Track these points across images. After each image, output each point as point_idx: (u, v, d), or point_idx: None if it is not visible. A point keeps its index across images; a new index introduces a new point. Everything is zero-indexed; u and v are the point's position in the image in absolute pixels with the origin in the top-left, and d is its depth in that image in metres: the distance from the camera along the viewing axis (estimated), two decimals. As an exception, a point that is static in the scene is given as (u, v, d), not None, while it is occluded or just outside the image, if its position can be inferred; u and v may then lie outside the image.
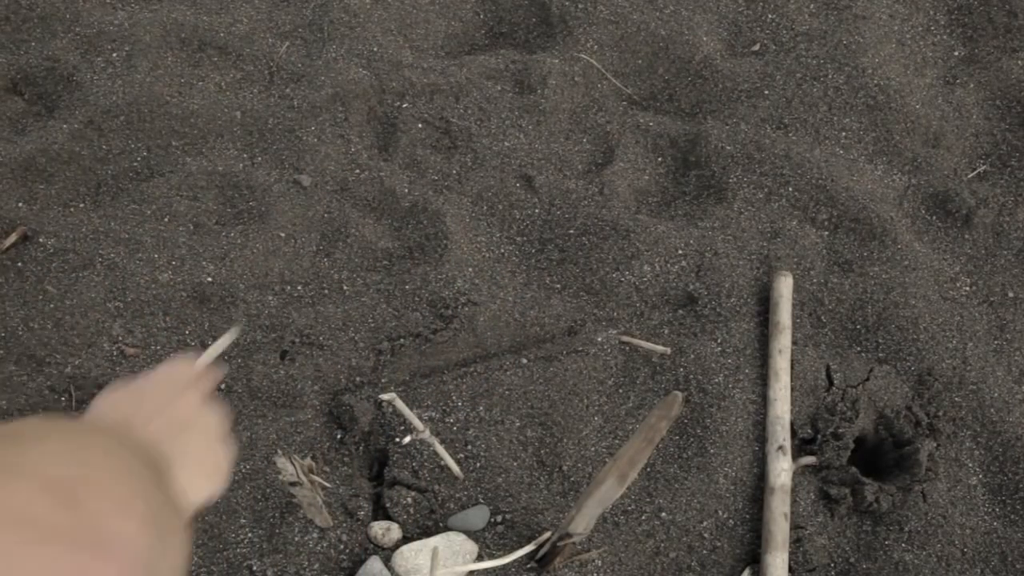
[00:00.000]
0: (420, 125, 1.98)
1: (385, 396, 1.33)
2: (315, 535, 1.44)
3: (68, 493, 0.37)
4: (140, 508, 0.41)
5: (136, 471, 0.44)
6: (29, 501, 0.35)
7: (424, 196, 1.86)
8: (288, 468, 1.24)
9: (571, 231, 1.83)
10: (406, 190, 1.87)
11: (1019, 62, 2.14)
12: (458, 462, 1.51)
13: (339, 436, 1.56)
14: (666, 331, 1.72)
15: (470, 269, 1.75)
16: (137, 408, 0.62)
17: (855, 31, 2.15)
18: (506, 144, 1.96)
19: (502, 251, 1.82)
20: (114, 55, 2.03)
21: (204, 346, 1.63)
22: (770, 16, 2.22)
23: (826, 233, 1.88)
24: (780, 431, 1.57)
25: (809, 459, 1.56)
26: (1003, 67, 2.14)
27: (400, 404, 1.35)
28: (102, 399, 0.62)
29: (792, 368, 1.66)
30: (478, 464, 1.53)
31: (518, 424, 1.58)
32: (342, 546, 1.44)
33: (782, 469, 1.53)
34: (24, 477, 0.36)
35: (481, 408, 1.58)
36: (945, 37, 2.23)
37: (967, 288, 1.83)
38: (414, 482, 1.50)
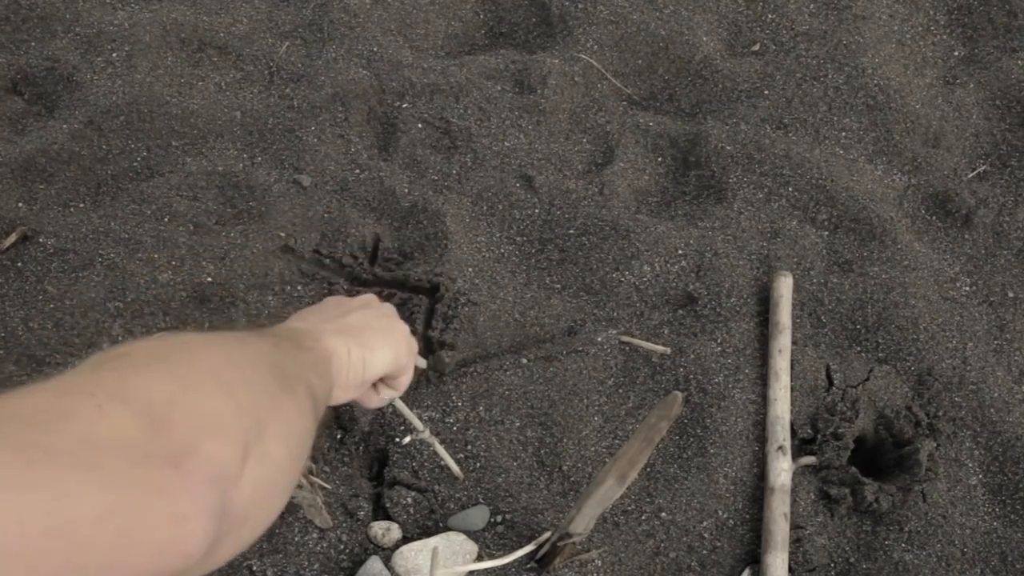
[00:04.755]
0: (420, 125, 1.98)
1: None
2: (315, 535, 1.44)
3: (159, 414, 0.40)
4: (231, 423, 0.44)
5: (255, 381, 0.48)
6: (123, 426, 0.39)
7: (424, 196, 1.86)
8: (288, 468, 1.24)
9: (571, 231, 1.83)
10: (406, 190, 1.87)
11: (1019, 62, 2.14)
12: (458, 462, 1.51)
13: (339, 436, 1.56)
14: (666, 331, 1.72)
15: (470, 269, 1.75)
16: (316, 311, 0.71)
17: (855, 31, 2.15)
18: (506, 144, 1.96)
19: (502, 251, 1.82)
20: (114, 55, 2.03)
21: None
22: (770, 16, 2.22)
23: (826, 233, 1.88)
24: (780, 431, 1.57)
25: (809, 459, 1.56)
26: (1003, 67, 2.14)
27: (400, 404, 1.35)
28: (296, 315, 0.72)
29: (792, 368, 1.66)
30: (478, 464, 1.53)
31: (518, 424, 1.58)
32: (342, 546, 1.44)
33: (782, 469, 1.53)
34: (123, 402, 0.40)
35: (481, 408, 1.58)
36: (945, 37, 2.23)
37: (967, 288, 1.83)
38: (414, 482, 1.50)
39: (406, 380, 0.80)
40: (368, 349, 0.69)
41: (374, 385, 0.78)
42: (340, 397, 0.68)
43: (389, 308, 0.78)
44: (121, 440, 0.38)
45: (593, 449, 1.56)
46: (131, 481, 0.37)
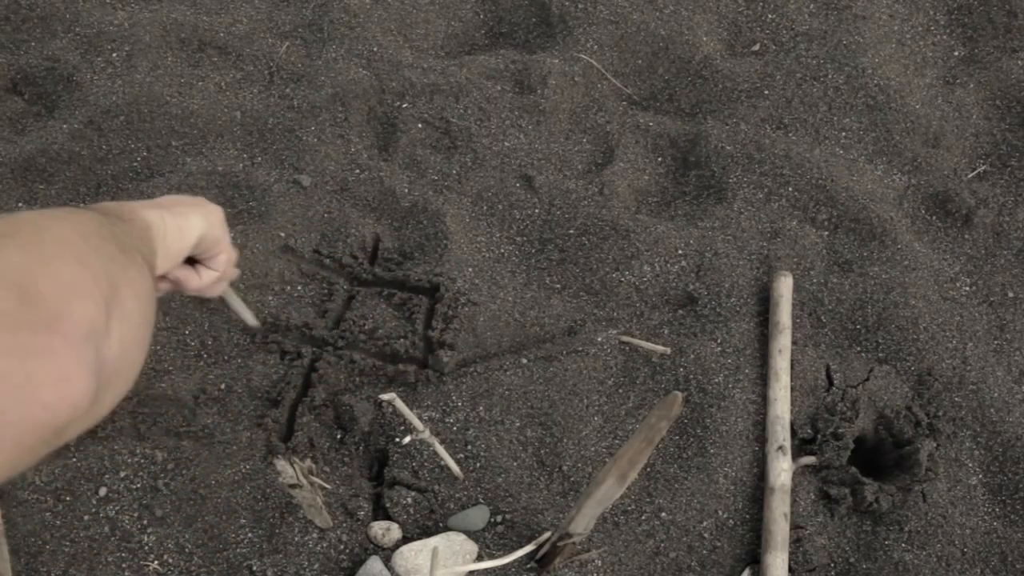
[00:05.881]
0: (420, 125, 1.98)
1: (385, 396, 1.33)
2: (315, 535, 1.44)
3: (25, 285, 0.43)
4: (91, 287, 0.47)
5: (100, 248, 0.52)
6: None
7: (424, 196, 1.86)
8: (288, 471, 1.24)
9: (571, 231, 1.83)
10: (406, 190, 1.87)
11: (1019, 62, 2.14)
12: (458, 462, 1.51)
13: (339, 436, 1.56)
14: (666, 331, 1.72)
15: (470, 269, 1.75)
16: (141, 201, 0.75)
17: (855, 31, 2.15)
18: (506, 144, 1.96)
19: (502, 251, 1.82)
20: (114, 55, 2.03)
21: (204, 346, 1.63)
22: (770, 16, 2.22)
23: (826, 233, 1.88)
24: (780, 431, 1.57)
25: (809, 459, 1.56)
26: (1003, 67, 2.14)
27: (400, 404, 1.35)
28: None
29: (792, 368, 1.66)
30: (478, 464, 1.53)
31: (518, 424, 1.58)
32: (342, 546, 1.44)
33: (782, 469, 1.53)
34: None
35: (481, 408, 1.58)
36: (945, 37, 2.23)
37: (967, 288, 1.83)
38: (414, 482, 1.50)
39: (225, 260, 0.85)
40: (181, 217, 0.75)
41: (194, 267, 0.83)
42: (162, 267, 0.73)
43: (200, 197, 0.84)
44: None
45: (593, 449, 1.56)
46: (13, 347, 0.41)
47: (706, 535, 1.50)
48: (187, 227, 0.75)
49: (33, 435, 0.42)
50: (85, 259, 0.49)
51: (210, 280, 0.85)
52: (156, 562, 1.41)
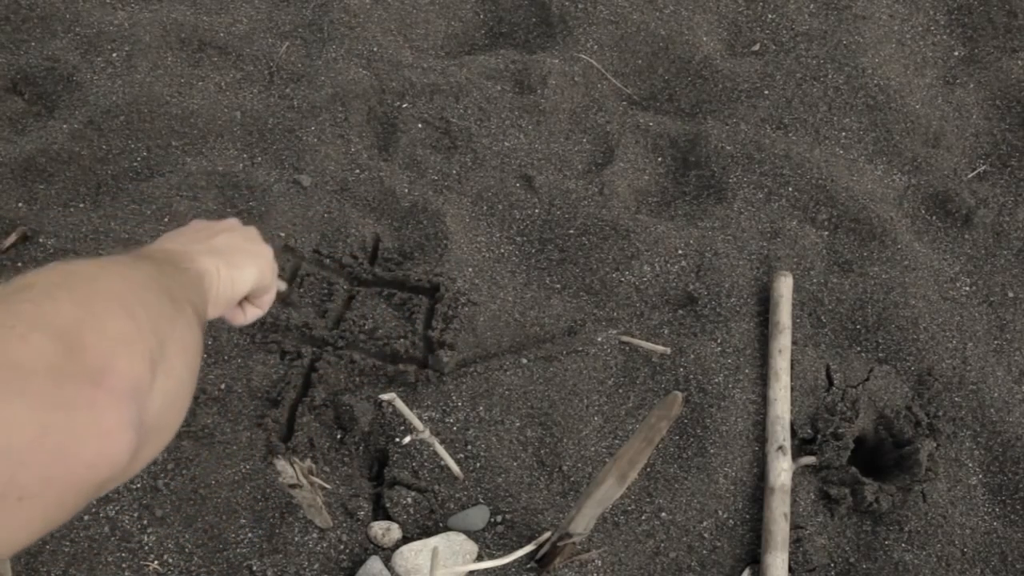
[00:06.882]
0: (420, 125, 1.98)
1: (385, 396, 1.33)
2: (315, 535, 1.44)
3: (73, 337, 0.44)
4: (138, 342, 0.48)
5: (151, 302, 0.52)
6: (43, 351, 0.42)
7: (424, 196, 1.86)
8: (288, 471, 1.24)
9: (571, 231, 1.83)
10: (406, 190, 1.87)
11: (1019, 62, 2.14)
12: (458, 462, 1.51)
13: (339, 436, 1.56)
14: (666, 331, 1.72)
15: (470, 269, 1.75)
16: (183, 233, 0.78)
17: (855, 31, 2.15)
18: (506, 144, 1.96)
19: (502, 251, 1.82)
20: (114, 55, 2.03)
21: (204, 346, 1.63)
22: (770, 16, 2.22)
23: (826, 233, 1.88)
24: (780, 431, 1.57)
25: (809, 459, 1.56)
26: (1003, 67, 2.14)
27: (400, 404, 1.35)
28: (164, 236, 0.77)
29: (792, 368, 1.66)
30: (478, 464, 1.53)
31: (518, 424, 1.58)
32: (342, 546, 1.44)
33: (782, 469, 1.53)
34: (39, 329, 0.43)
35: (481, 408, 1.58)
36: (945, 37, 2.23)
37: (967, 288, 1.83)
38: (414, 482, 1.50)
39: (269, 299, 0.88)
40: (236, 268, 0.76)
41: (240, 303, 0.86)
42: (211, 313, 0.73)
43: (253, 231, 0.85)
44: (42, 364, 0.41)
45: (593, 449, 1.56)
46: (58, 401, 0.41)
47: (706, 535, 1.50)
48: (240, 279, 0.76)
49: (74, 492, 0.42)
50: (135, 313, 0.49)
51: (254, 317, 0.87)
52: (156, 562, 1.41)
